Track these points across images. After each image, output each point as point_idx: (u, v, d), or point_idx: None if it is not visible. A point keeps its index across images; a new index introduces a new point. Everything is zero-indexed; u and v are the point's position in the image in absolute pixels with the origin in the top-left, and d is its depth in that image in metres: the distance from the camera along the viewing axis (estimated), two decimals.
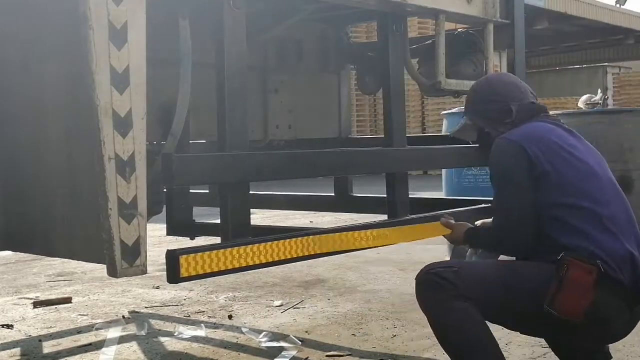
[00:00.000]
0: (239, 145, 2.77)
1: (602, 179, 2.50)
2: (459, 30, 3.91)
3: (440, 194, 5.87)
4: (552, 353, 3.31)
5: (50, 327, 4.12)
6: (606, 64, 21.46)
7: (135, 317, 4.31)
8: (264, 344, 3.65)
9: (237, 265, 2.59)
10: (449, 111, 6.00)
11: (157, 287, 5.07)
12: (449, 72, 3.56)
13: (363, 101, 16.87)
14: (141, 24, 2.29)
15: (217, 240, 2.84)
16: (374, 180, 5.71)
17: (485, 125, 2.72)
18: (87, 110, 2.23)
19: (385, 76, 3.48)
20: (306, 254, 2.80)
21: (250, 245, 2.63)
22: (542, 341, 3.45)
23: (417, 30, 13.42)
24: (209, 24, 2.85)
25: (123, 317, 4.30)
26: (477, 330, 2.41)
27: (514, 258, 2.59)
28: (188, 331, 3.94)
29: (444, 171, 5.81)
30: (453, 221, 2.92)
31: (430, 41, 3.70)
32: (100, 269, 2.36)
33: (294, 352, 3.50)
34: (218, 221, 2.88)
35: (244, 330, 3.92)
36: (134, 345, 3.74)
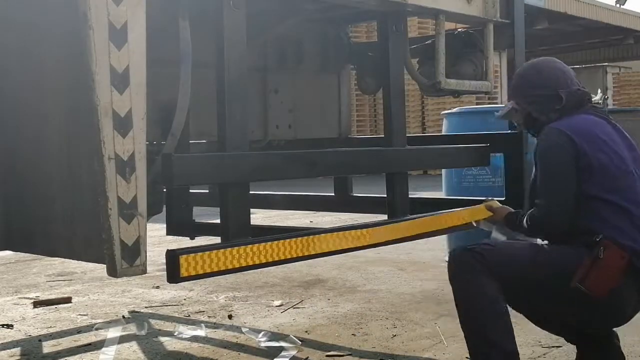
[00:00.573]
0: (239, 145, 2.77)
1: (637, 182, 2.64)
2: (459, 30, 3.91)
3: (440, 194, 5.86)
4: (552, 353, 3.32)
5: (50, 327, 4.12)
6: (606, 64, 21.47)
7: (135, 317, 4.31)
8: (263, 344, 3.65)
9: (237, 265, 2.59)
10: (449, 111, 6.00)
11: (157, 287, 5.07)
12: (449, 72, 3.56)
13: (363, 101, 16.86)
14: (141, 24, 2.29)
15: (217, 240, 2.84)
16: (374, 180, 5.72)
17: (533, 111, 2.80)
18: (87, 110, 2.23)
19: (385, 76, 3.48)
20: (306, 254, 2.80)
21: (250, 245, 2.63)
22: (542, 341, 3.46)
23: (417, 30, 13.42)
24: (209, 24, 2.85)
25: (123, 317, 4.30)
26: (497, 309, 2.56)
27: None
28: (188, 331, 3.94)
29: (444, 171, 5.80)
30: (495, 205, 3.06)
31: (430, 41, 3.70)
32: (100, 269, 2.36)
33: (294, 352, 3.50)
34: (218, 221, 2.88)
35: (243, 330, 3.92)
36: (134, 345, 3.74)
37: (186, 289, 4.92)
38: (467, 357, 3.29)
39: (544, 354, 3.32)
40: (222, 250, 2.55)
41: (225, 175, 2.72)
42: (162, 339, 3.85)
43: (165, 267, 2.47)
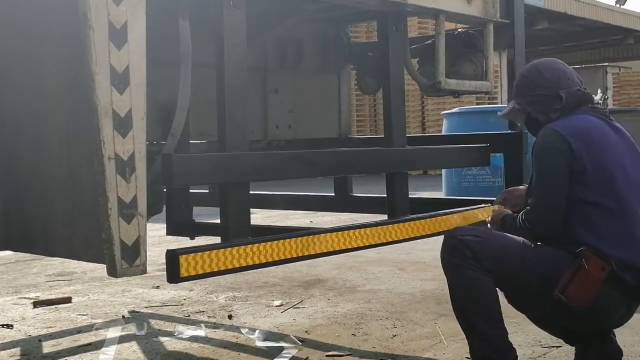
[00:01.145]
0: (239, 145, 2.77)
1: (634, 185, 2.65)
2: (459, 30, 3.91)
3: (440, 194, 5.87)
4: (552, 353, 3.32)
5: (50, 327, 4.12)
6: (606, 64, 21.47)
7: (135, 317, 4.31)
8: (260, 344, 3.65)
9: (237, 265, 2.59)
10: (449, 111, 6.00)
11: (157, 287, 5.07)
12: (449, 72, 3.56)
13: (363, 101, 16.87)
14: (141, 24, 2.29)
15: (217, 240, 2.84)
16: (374, 180, 5.72)
17: (533, 111, 2.81)
18: (87, 110, 2.23)
19: (385, 76, 3.48)
20: (306, 254, 2.80)
21: (250, 245, 2.63)
22: (542, 341, 3.46)
23: (417, 30, 13.42)
24: (209, 24, 2.85)
25: (123, 317, 4.30)
26: (486, 301, 2.63)
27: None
28: (188, 331, 3.94)
29: (444, 171, 5.82)
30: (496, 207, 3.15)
31: (430, 41, 3.70)
32: (100, 269, 2.36)
33: (294, 352, 3.50)
34: (218, 221, 2.88)
35: (242, 330, 3.92)
36: (133, 345, 3.74)
37: (186, 289, 4.92)
38: (467, 357, 3.29)
39: (544, 354, 3.32)
40: (222, 250, 2.55)
41: (225, 175, 2.72)
42: (162, 339, 3.85)
43: (165, 267, 2.47)
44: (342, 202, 4.34)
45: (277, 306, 4.45)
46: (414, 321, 3.98)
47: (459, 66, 3.73)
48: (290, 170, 3.05)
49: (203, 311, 4.39)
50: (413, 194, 3.69)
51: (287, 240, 2.74)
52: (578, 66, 20.87)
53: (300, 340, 3.68)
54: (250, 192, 2.92)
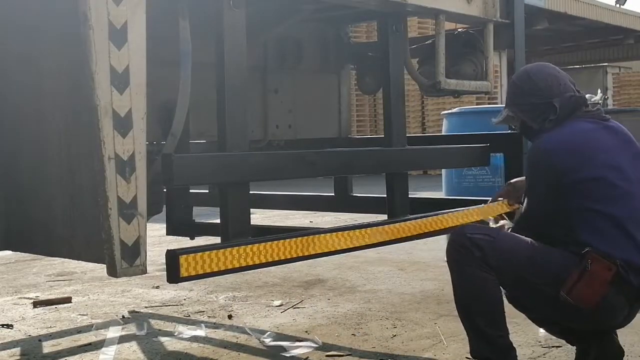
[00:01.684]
0: (239, 145, 2.77)
1: (634, 182, 2.65)
2: (459, 30, 3.91)
3: (440, 194, 5.87)
4: (552, 353, 3.32)
5: (50, 327, 4.12)
6: (606, 64, 21.47)
7: (135, 317, 4.31)
8: (269, 343, 3.66)
9: (237, 265, 2.59)
10: (449, 111, 6.00)
11: (157, 287, 5.07)
12: (449, 72, 3.56)
13: (363, 101, 16.87)
14: (141, 24, 2.29)
15: (217, 240, 2.84)
16: (374, 180, 5.72)
17: (528, 119, 2.81)
18: (87, 110, 2.23)
19: (385, 76, 3.48)
20: (306, 254, 2.80)
21: (250, 245, 2.63)
22: (542, 341, 3.46)
23: (417, 30, 13.43)
24: (209, 24, 2.85)
25: (123, 317, 4.30)
26: (490, 300, 2.63)
27: None
28: (188, 331, 3.94)
29: (444, 171, 5.81)
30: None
31: (430, 41, 3.70)
32: (100, 269, 2.36)
33: (310, 349, 3.49)
34: (218, 221, 2.88)
35: (248, 330, 3.92)
36: (133, 345, 3.74)
37: (186, 289, 4.92)
38: (467, 357, 3.29)
39: (544, 354, 3.32)
40: (222, 250, 2.55)
41: (225, 175, 2.72)
42: (162, 339, 3.85)
43: (165, 267, 2.47)
44: (342, 202, 4.34)
45: (277, 306, 4.45)
46: (414, 321, 3.98)
47: (459, 66, 3.73)
48: (290, 170, 3.05)
49: (203, 311, 4.39)
50: (413, 194, 3.69)
51: (287, 240, 2.74)
52: (578, 66, 20.90)
53: (300, 341, 3.68)
54: (250, 192, 2.92)
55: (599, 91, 11.72)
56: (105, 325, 4.10)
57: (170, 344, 3.75)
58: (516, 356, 2.69)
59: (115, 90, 2.23)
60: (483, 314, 2.63)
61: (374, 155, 3.42)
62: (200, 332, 3.91)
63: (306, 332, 3.85)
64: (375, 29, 3.70)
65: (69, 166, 2.50)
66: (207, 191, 4.29)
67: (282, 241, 2.71)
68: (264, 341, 3.70)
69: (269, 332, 3.83)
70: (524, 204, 2.78)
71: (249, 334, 3.84)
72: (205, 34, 2.89)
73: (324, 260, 5.15)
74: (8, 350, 3.70)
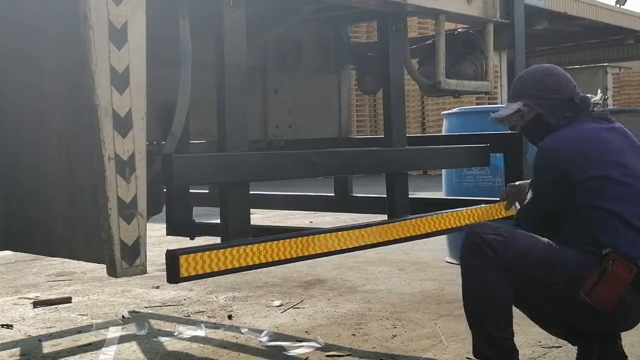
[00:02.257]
0: (239, 145, 2.77)
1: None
2: (459, 30, 3.91)
3: (440, 194, 5.86)
4: (552, 353, 3.32)
5: (50, 327, 4.12)
6: (606, 64, 21.48)
7: (135, 317, 4.31)
8: (267, 343, 3.65)
9: (237, 265, 2.59)
10: (449, 111, 5.99)
11: (157, 287, 5.07)
12: (449, 72, 3.55)
13: (363, 101, 16.87)
14: (141, 24, 2.29)
15: (217, 240, 2.84)
16: (374, 180, 5.72)
17: (546, 114, 2.80)
18: (87, 110, 2.23)
19: (385, 76, 3.48)
20: (306, 254, 2.80)
21: (250, 245, 2.63)
22: (542, 341, 3.46)
23: (417, 30, 13.42)
24: (209, 24, 2.85)
25: (123, 317, 4.30)
26: (499, 302, 2.61)
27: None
28: (188, 331, 3.94)
29: (444, 171, 5.80)
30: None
31: (430, 41, 3.70)
32: (100, 269, 2.36)
33: (311, 349, 3.49)
34: (218, 221, 2.88)
35: (248, 330, 3.92)
36: (133, 345, 3.74)
37: (186, 289, 4.92)
38: (467, 357, 3.29)
39: (544, 354, 3.32)
40: (222, 250, 2.55)
41: (225, 175, 2.72)
42: (162, 339, 3.85)
43: (165, 267, 2.47)
44: (342, 202, 4.34)
45: (277, 306, 4.45)
46: (414, 321, 3.98)
47: (459, 66, 3.73)
48: (290, 170, 3.05)
49: (203, 311, 4.39)
50: (413, 194, 3.69)
51: (287, 240, 2.74)
52: (578, 66, 20.89)
53: (299, 341, 3.68)
54: (250, 192, 2.91)
55: (599, 91, 11.73)
56: (105, 325, 4.10)
57: (170, 344, 3.75)
58: (519, 359, 2.68)
59: (115, 90, 2.23)
60: (490, 315, 2.61)
61: (374, 155, 3.42)
62: (200, 332, 3.91)
63: (306, 332, 3.85)
64: (375, 29, 3.70)
65: (69, 166, 2.50)
66: (207, 191, 4.29)
67: (282, 241, 2.71)
68: (263, 341, 3.70)
69: (269, 332, 3.83)
70: (530, 202, 2.79)
71: (249, 334, 3.84)
72: (205, 34, 2.89)
73: (324, 260, 5.15)
74: (8, 350, 3.70)
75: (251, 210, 2.87)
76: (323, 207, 4.64)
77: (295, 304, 4.49)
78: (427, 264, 5.69)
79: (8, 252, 3.22)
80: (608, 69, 21.15)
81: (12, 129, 2.77)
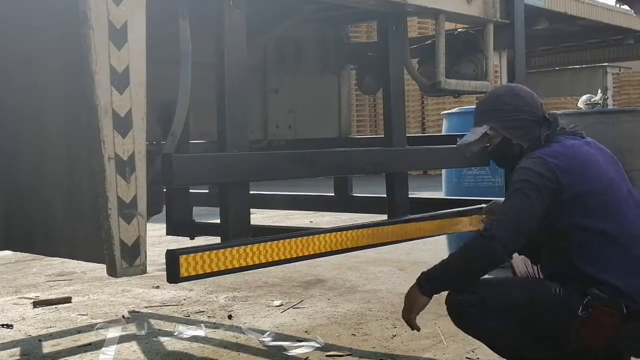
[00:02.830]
0: (239, 145, 2.77)
1: (627, 199, 2.55)
2: (459, 30, 3.91)
3: (440, 194, 5.86)
4: None
5: (50, 327, 4.12)
6: (606, 64, 21.45)
7: (135, 317, 4.31)
8: (267, 343, 3.65)
9: (237, 265, 2.59)
10: (449, 111, 5.99)
11: (157, 287, 5.07)
12: (449, 72, 3.55)
13: (363, 101, 16.86)
14: (141, 24, 2.29)
15: (217, 240, 2.84)
16: (374, 180, 5.71)
17: (514, 137, 2.64)
18: (87, 110, 2.23)
19: (385, 76, 3.48)
20: (306, 254, 2.80)
21: (250, 245, 2.63)
22: None
23: (417, 30, 13.40)
24: (209, 24, 2.85)
25: (123, 317, 4.30)
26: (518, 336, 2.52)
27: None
28: (188, 331, 3.94)
29: (444, 171, 5.80)
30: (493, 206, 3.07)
31: (430, 41, 3.70)
32: (100, 268, 2.36)
33: (311, 349, 3.49)
34: (218, 221, 2.88)
35: (248, 330, 3.92)
36: (133, 345, 3.74)
37: (186, 289, 4.92)
38: (467, 357, 3.29)
39: None
40: (222, 250, 2.55)
41: (225, 175, 2.72)
42: (162, 339, 3.85)
43: (165, 267, 2.47)
44: (342, 202, 4.34)
45: (277, 306, 4.45)
46: None
47: (459, 66, 3.73)
48: (290, 170, 3.05)
49: (203, 311, 4.39)
50: (413, 194, 3.69)
51: (287, 240, 2.74)
52: (578, 66, 20.85)
53: (299, 341, 3.68)
54: (250, 192, 2.91)
55: (599, 91, 11.73)
56: (105, 325, 4.11)
57: (170, 344, 3.75)
58: None
59: (115, 90, 2.23)
60: (522, 349, 2.54)
61: (374, 155, 3.42)
62: (200, 332, 3.91)
63: (306, 332, 3.85)
64: (375, 29, 3.69)
65: (69, 166, 2.50)
66: (207, 191, 4.29)
67: (282, 241, 2.71)
68: (263, 341, 3.70)
69: (269, 332, 3.83)
70: (509, 212, 2.51)
71: (249, 334, 3.84)
72: (205, 34, 2.89)
73: (324, 260, 5.15)
74: (8, 350, 3.70)
75: (251, 210, 2.87)
76: (323, 207, 4.64)
77: (295, 304, 4.49)
78: (427, 264, 5.64)
79: (8, 252, 3.23)
80: (608, 69, 21.12)
81: (12, 129, 2.77)
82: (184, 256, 2.44)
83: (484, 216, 3.23)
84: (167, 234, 3.88)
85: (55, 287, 5.23)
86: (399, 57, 3.48)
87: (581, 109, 7.02)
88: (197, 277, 2.51)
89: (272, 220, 7.74)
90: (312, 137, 4.21)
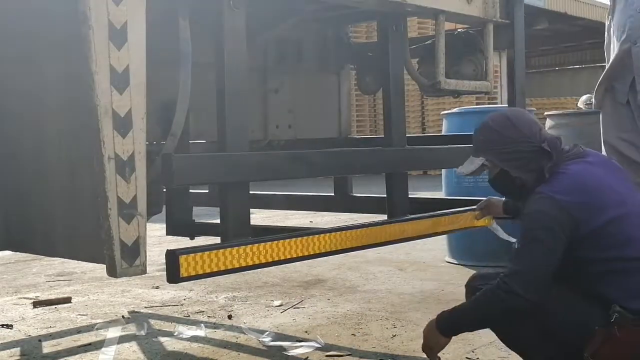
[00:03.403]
0: (239, 145, 2.77)
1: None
2: (459, 30, 3.91)
3: (440, 194, 5.86)
4: None
5: (50, 327, 4.12)
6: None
7: (135, 317, 4.31)
8: (267, 343, 3.65)
9: (237, 265, 2.59)
10: (449, 111, 6.00)
11: (157, 287, 5.07)
12: (449, 72, 3.55)
13: (363, 101, 16.86)
14: (141, 24, 2.29)
15: (217, 240, 2.84)
16: (374, 180, 5.72)
17: (512, 169, 2.56)
18: (87, 110, 2.23)
19: (385, 76, 3.48)
20: (306, 254, 2.80)
21: (250, 245, 2.63)
22: None
23: (417, 30, 13.41)
24: (209, 24, 2.85)
25: (123, 317, 4.30)
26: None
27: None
28: (188, 331, 3.94)
29: (444, 171, 5.80)
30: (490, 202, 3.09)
31: (430, 41, 3.70)
32: (100, 269, 2.36)
33: (311, 349, 3.49)
34: (218, 221, 2.88)
35: (248, 330, 3.92)
36: (133, 345, 3.74)
37: (186, 289, 4.92)
38: (467, 357, 3.29)
39: None
40: (222, 250, 2.55)
41: (225, 175, 2.72)
42: (162, 339, 3.85)
43: (165, 267, 2.47)
44: (342, 202, 4.34)
45: (277, 306, 4.45)
46: (413, 321, 3.98)
47: (459, 66, 3.73)
48: (290, 170, 3.05)
49: (203, 311, 4.39)
50: (413, 194, 3.69)
51: (287, 240, 2.74)
52: (578, 66, 20.89)
53: (299, 341, 3.68)
54: (250, 192, 2.91)
55: None
56: (105, 325, 4.11)
57: (170, 344, 3.75)
58: None
59: (115, 90, 2.23)
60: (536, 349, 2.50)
61: (374, 155, 3.42)
62: (200, 332, 3.91)
63: (306, 332, 3.85)
64: (375, 29, 3.69)
65: (69, 166, 2.50)
66: (207, 191, 4.29)
67: (282, 241, 2.72)
68: (263, 341, 3.70)
69: (268, 332, 3.83)
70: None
71: (249, 334, 3.84)
72: (205, 34, 2.89)
73: (324, 260, 5.15)
74: (8, 350, 3.70)
75: (251, 210, 2.87)
76: (323, 207, 4.64)
77: (295, 304, 4.49)
78: (427, 264, 5.69)
79: (8, 252, 3.22)
80: None
81: (12, 129, 2.77)
82: (184, 256, 2.44)
83: (477, 212, 3.24)
84: (167, 234, 3.88)
85: (55, 287, 5.23)
86: (399, 57, 3.48)
87: (581, 109, 7.02)
88: (197, 277, 2.51)
89: (272, 220, 7.74)
90: (312, 137, 4.21)
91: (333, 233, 2.91)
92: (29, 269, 5.98)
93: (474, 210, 3.33)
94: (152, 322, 4.18)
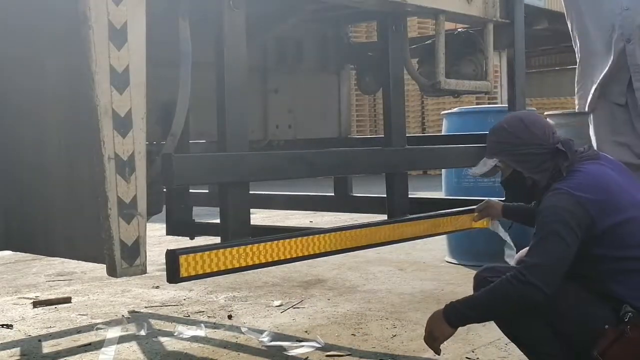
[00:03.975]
0: (239, 145, 2.77)
1: None
2: (459, 30, 3.91)
3: (440, 194, 5.86)
4: None
5: (50, 327, 4.12)
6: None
7: (135, 317, 4.31)
8: (267, 343, 3.65)
9: (237, 265, 2.59)
10: (449, 111, 6.00)
11: (157, 287, 5.07)
12: (449, 72, 3.55)
13: (363, 101, 16.85)
14: (141, 24, 2.29)
15: (217, 240, 2.84)
16: (374, 180, 5.72)
17: (525, 170, 2.60)
18: (87, 110, 2.23)
19: (385, 76, 3.48)
20: (306, 254, 2.80)
21: (250, 245, 2.63)
22: None
23: (417, 30, 13.41)
24: (209, 24, 2.85)
25: (123, 317, 4.30)
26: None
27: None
28: (188, 331, 3.94)
29: (444, 171, 5.80)
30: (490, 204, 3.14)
31: (430, 41, 3.70)
32: (100, 269, 2.36)
33: (312, 349, 3.49)
34: (218, 221, 2.88)
35: (248, 330, 3.92)
36: (133, 345, 3.74)
37: (186, 289, 4.92)
38: (467, 357, 3.29)
39: None
40: (222, 250, 2.55)
41: (225, 175, 2.72)
42: (162, 339, 3.85)
43: (165, 267, 2.47)
44: (342, 202, 4.34)
45: (277, 306, 4.45)
46: (413, 321, 3.98)
47: (459, 66, 3.73)
48: (290, 170, 3.05)
49: (203, 311, 4.39)
50: (413, 194, 3.69)
51: (287, 240, 2.74)
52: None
53: (299, 341, 3.68)
54: (250, 192, 2.91)
55: None
56: (105, 326, 4.11)
57: (170, 344, 3.75)
58: None
59: (115, 90, 2.23)
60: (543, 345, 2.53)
61: (374, 155, 3.42)
62: (200, 332, 3.91)
63: (306, 332, 3.85)
64: (375, 29, 3.69)
65: (69, 166, 2.50)
66: (207, 191, 4.29)
67: (282, 241, 2.71)
68: (263, 341, 3.70)
69: (268, 332, 3.83)
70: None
71: (249, 334, 3.84)
72: (205, 34, 2.89)
73: (324, 260, 5.15)
74: (8, 350, 3.70)
75: (251, 210, 2.87)
76: (323, 207, 4.64)
77: (295, 304, 4.49)
78: (427, 264, 5.69)
79: (8, 252, 3.22)
80: None
81: (12, 128, 2.77)
82: (184, 256, 2.44)
83: (475, 214, 3.24)
84: (167, 234, 3.88)
85: (55, 287, 5.23)
86: (399, 57, 3.48)
87: None
88: (197, 277, 2.51)
89: (272, 220, 7.74)
90: (312, 137, 4.21)
91: (333, 233, 2.91)
92: (29, 269, 5.98)
93: (473, 211, 3.34)
94: (152, 322, 4.18)
